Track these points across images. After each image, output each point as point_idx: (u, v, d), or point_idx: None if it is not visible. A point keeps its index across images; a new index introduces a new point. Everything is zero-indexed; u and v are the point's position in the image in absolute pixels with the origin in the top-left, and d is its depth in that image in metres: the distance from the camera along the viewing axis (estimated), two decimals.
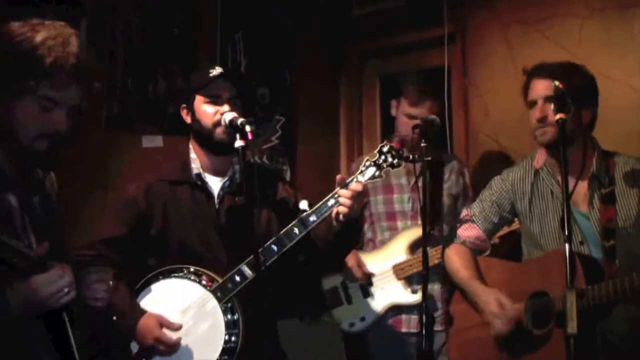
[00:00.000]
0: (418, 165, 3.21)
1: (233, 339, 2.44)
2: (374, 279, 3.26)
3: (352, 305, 3.28)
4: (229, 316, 2.47)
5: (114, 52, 3.67)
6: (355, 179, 2.45)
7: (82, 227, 3.05)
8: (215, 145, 2.55)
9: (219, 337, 2.43)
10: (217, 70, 2.57)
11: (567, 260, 1.92)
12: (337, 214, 2.44)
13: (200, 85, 2.58)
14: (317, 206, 2.49)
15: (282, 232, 2.50)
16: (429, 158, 2.79)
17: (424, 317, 2.40)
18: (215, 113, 2.52)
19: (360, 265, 3.28)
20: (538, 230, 2.60)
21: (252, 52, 4.21)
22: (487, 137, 3.76)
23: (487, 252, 2.95)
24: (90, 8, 3.51)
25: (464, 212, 2.83)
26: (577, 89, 2.32)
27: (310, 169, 4.39)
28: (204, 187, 2.60)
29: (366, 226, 3.42)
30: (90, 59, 1.87)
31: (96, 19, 3.52)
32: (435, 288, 3.22)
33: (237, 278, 2.46)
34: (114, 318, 2.37)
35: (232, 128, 2.44)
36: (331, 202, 2.46)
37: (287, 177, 4.24)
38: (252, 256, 2.35)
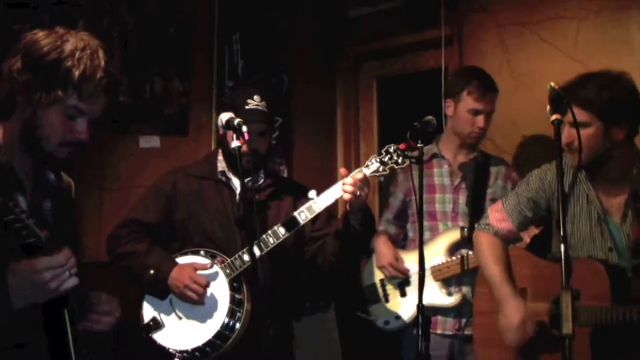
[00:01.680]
0: (461, 167, 3.29)
1: (237, 314, 2.69)
2: (411, 279, 3.26)
3: (388, 303, 3.28)
4: (235, 294, 2.72)
5: (110, 53, 3.66)
6: (360, 171, 2.65)
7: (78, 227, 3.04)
8: (239, 170, 2.59)
9: (223, 309, 2.69)
10: (254, 103, 2.77)
11: (563, 261, 1.93)
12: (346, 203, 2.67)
13: (236, 112, 2.72)
14: (322, 194, 2.71)
15: (289, 217, 2.75)
16: (424, 158, 2.86)
17: (420, 317, 2.42)
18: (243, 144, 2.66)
19: (396, 261, 3.26)
20: (569, 231, 2.56)
21: (249, 53, 4.22)
22: None
23: (521, 244, 2.95)
24: (87, 9, 3.51)
25: (499, 203, 2.81)
26: (604, 105, 2.32)
27: (307, 169, 4.39)
28: (228, 183, 2.89)
29: (409, 225, 3.42)
30: (116, 71, 1.87)
31: (92, 20, 3.51)
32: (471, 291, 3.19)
33: (246, 257, 2.72)
34: (151, 272, 2.71)
35: (229, 128, 2.46)
36: (336, 191, 2.68)
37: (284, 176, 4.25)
38: (261, 237, 2.69)
